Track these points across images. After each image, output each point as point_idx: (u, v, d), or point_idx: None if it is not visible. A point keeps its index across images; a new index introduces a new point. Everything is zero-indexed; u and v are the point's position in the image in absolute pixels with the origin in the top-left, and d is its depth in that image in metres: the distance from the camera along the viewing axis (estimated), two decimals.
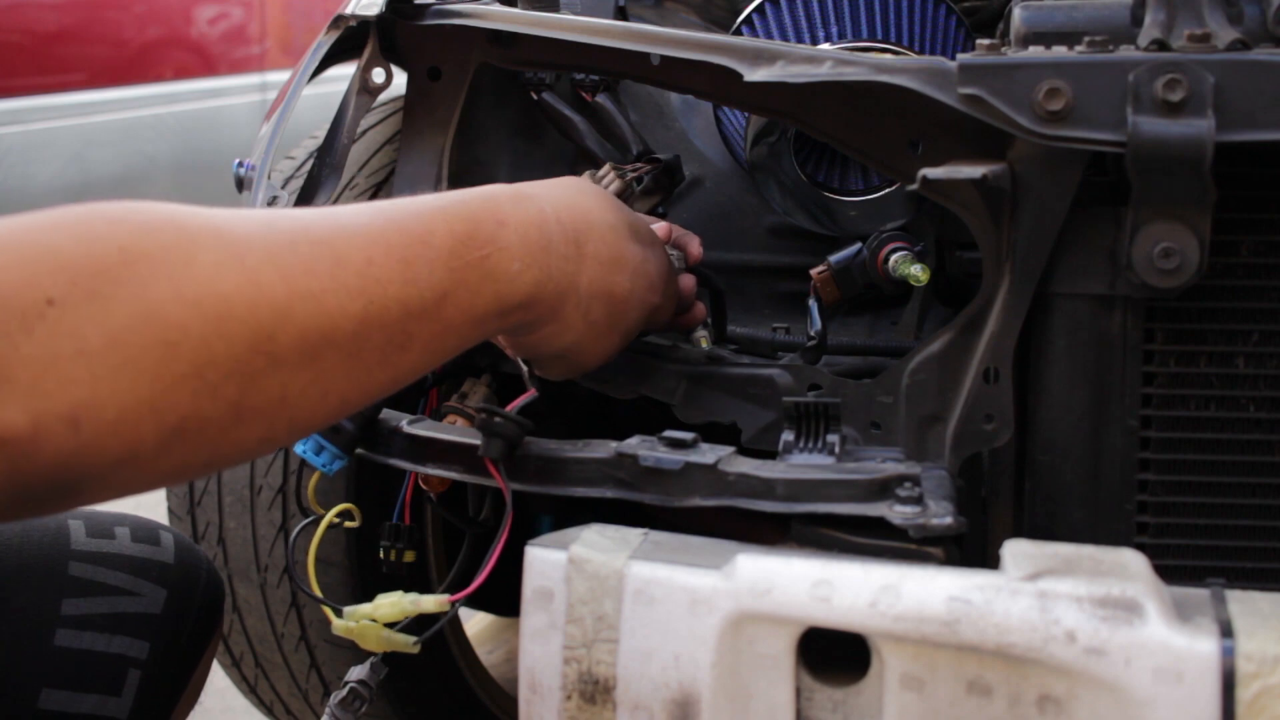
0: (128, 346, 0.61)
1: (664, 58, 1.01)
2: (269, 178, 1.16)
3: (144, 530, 1.12)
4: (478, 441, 0.95)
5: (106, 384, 0.60)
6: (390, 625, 0.94)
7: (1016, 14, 0.98)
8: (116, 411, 0.61)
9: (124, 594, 1.06)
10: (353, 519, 1.02)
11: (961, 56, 0.87)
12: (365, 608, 0.94)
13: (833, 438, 0.93)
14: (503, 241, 0.83)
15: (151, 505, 1.45)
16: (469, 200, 0.84)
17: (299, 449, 1.02)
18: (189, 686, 1.11)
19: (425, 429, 1.01)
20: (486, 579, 0.93)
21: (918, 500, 0.84)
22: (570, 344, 0.92)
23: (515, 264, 0.83)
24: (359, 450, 1.03)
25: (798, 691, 0.76)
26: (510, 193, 0.87)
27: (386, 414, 1.04)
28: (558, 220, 0.88)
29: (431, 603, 0.94)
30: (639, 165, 1.22)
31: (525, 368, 1.01)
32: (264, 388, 0.68)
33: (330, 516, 1.02)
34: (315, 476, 1.05)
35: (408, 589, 0.95)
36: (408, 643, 0.95)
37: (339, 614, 0.95)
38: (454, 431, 1.01)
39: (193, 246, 0.66)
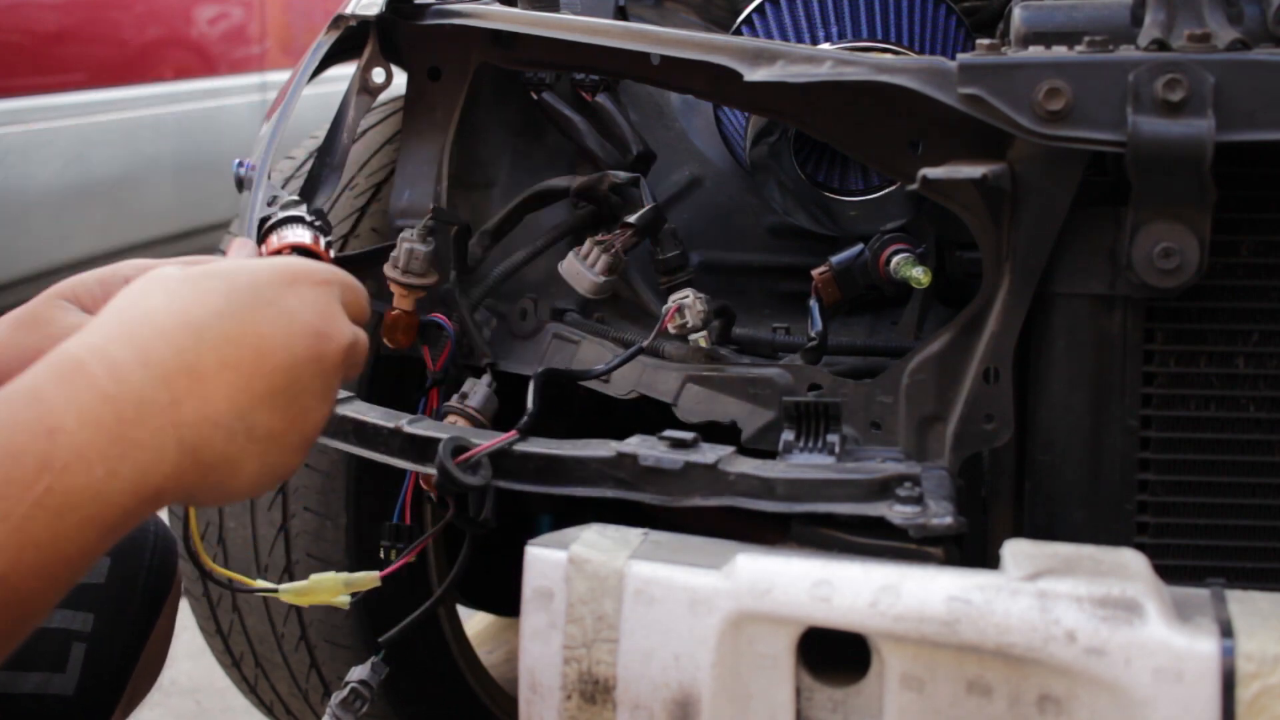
0: None
1: (664, 58, 1.01)
2: (269, 178, 1.16)
3: None
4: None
5: None
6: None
7: (1016, 14, 0.98)
8: None
9: None
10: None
11: (961, 56, 0.87)
12: (299, 585, 0.99)
13: (833, 437, 0.93)
14: (61, 456, 0.60)
15: None
16: (3, 423, 0.61)
17: None
18: (143, 657, 1.07)
19: (425, 429, 1.01)
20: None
21: (918, 500, 0.84)
22: (267, 465, 0.70)
23: (97, 469, 0.61)
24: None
25: (798, 691, 0.76)
26: (55, 373, 0.63)
27: (387, 414, 1.04)
28: (126, 366, 0.65)
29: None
30: (619, 233, 1.14)
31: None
32: None
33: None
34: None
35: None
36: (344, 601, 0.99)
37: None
38: (454, 431, 1.01)
39: None
